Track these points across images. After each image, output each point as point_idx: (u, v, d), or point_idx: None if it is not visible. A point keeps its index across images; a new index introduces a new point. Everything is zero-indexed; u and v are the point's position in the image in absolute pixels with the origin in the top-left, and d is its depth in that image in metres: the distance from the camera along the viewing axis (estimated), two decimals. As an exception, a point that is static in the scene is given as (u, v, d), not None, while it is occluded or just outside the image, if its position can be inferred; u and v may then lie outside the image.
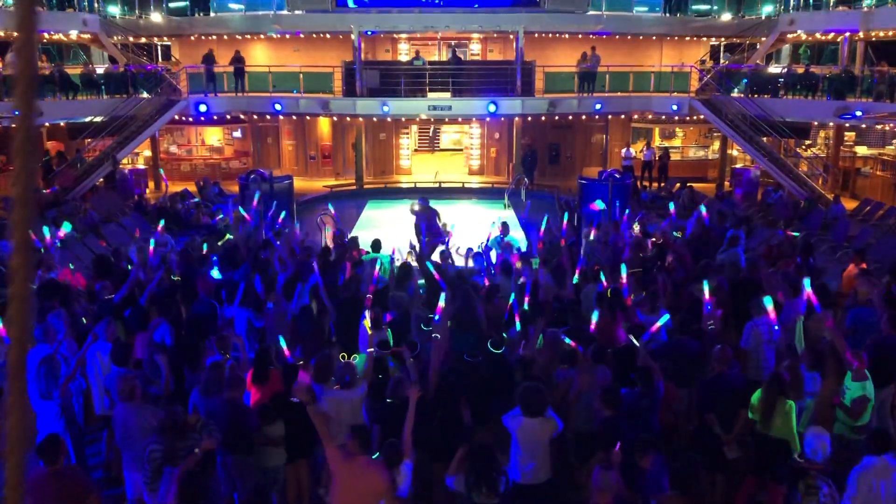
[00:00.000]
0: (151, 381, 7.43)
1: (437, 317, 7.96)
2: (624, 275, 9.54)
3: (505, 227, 13.20)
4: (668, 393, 7.20)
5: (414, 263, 11.76)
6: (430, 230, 14.36)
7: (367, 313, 8.37)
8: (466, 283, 9.87)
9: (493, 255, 12.03)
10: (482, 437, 7.10)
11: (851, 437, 7.11)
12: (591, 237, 12.84)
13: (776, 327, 8.24)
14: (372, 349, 7.52)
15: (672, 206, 14.67)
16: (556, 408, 6.71)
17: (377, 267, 10.64)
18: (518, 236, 15.26)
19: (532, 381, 6.62)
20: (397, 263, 11.47)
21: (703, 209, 13.45)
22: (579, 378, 7.16)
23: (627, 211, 14.84)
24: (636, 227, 14.15)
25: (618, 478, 5.37)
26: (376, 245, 11.89)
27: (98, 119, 22.04)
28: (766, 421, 6.75)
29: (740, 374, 7.62)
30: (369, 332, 7.99)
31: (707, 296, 8.74)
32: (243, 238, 13.12)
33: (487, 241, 12.76)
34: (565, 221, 13.51)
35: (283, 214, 14.77)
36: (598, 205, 14.45)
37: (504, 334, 8.28)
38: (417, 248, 13.32)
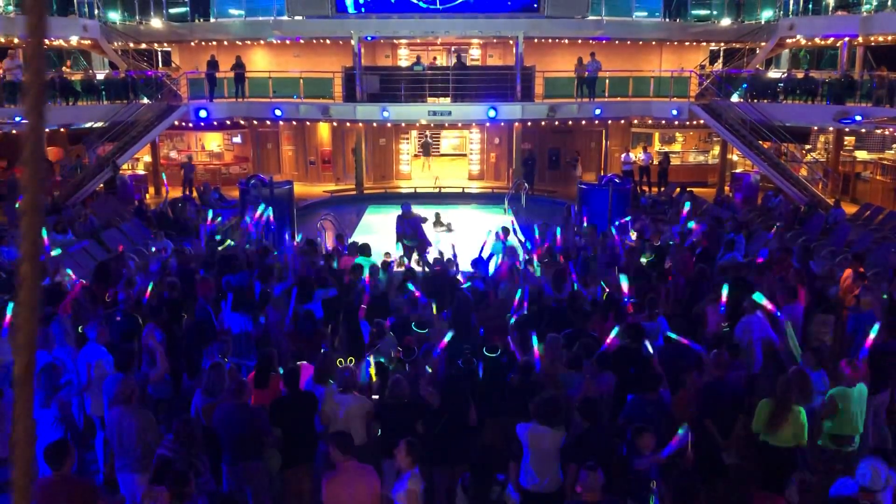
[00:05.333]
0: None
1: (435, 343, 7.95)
2: (625, 284, 9.57)
3: (506, 233, 13.20)
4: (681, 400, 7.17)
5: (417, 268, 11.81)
6: (414, 236, 14.28)
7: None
8: (461, 290, 9.95)
9: (496, 260, 12.02)
10: (484, 439, 7.13)
11: (832, 448, 7.07)
12: (585, 232, 12.94)
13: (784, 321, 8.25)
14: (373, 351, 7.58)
15: (686, 207, 14.79)
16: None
17: (367, 273, 10.67)
18: (517, 242, 15.25)
19: (543, 389, 6.66)
20: (397, 269, 11.48)
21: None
22: (585, 384, 7.16)
23: (629, 219, 14.90)
24: (633, 234, 14.17)
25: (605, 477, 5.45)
26: (364, 250, 11.83)
27: (98, 124, 22.07)
28: (775, 431, 6.63)
29: (739, 379, 7.60)
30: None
31: (723, 299, 8.83)
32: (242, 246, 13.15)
33: (484, 246, 12.76)
34: (558, 230, 13.47)
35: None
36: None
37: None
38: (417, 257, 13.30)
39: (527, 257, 12.33)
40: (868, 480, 5.38)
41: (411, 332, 8.64)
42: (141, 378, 7.39)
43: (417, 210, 15.10)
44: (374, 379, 7.74)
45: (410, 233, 14.34)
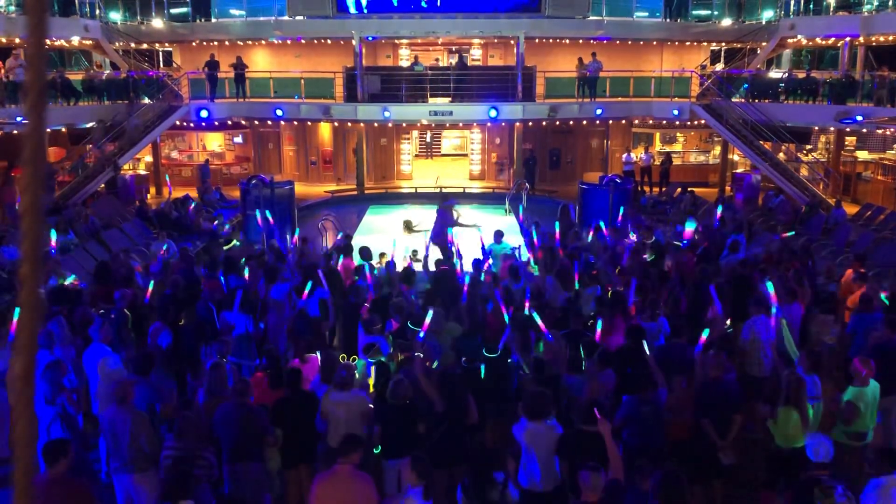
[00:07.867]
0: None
1: (422, 333, 7.90)
2: (630, 285, 9.56)
3: (499, 235, 13.15)
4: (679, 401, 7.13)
5: (419, 268, 11.80)
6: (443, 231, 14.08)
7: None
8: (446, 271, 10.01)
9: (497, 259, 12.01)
10: (484, 440, 7.12)
11: (849, 444, 7.09)
12: (590, 237, 12.90)
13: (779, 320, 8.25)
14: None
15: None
16: (562, 412, 6.73)
17: (370, 273, 10.65)
18: (517, 242, 15.22)
19: (537, 386, 6.64)
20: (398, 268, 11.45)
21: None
22: (589, 384, 7.14)
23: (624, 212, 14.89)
24: (632, 235, 14.14)
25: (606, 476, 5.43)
26: (364, 253, 11.80)
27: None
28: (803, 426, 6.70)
29: (735, 380, 7.56)
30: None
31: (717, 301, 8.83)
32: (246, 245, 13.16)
33: (484, 246, 12.75)
34: (557, 231, 13.42)
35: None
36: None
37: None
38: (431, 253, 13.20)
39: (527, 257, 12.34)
40: (812, 454, 5.69)
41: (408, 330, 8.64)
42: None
43: (418, 211, 15.04)
44: (373, 379, 7.74)
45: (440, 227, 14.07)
